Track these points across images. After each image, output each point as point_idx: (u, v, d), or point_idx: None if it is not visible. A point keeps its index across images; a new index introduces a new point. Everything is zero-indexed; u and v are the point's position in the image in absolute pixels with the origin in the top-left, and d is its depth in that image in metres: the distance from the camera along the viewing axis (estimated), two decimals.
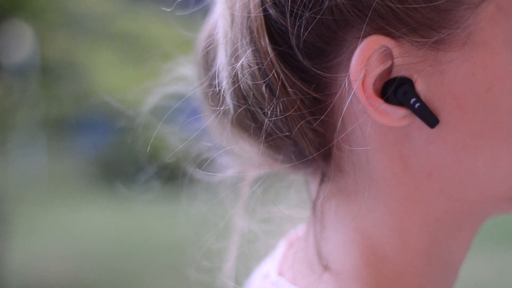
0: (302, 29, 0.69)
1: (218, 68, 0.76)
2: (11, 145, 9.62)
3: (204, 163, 0.85)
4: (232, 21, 0.73)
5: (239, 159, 0.85)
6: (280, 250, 0.87)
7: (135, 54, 6.14)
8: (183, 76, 0.90)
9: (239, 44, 0.72)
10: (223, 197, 0.88)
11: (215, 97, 0.77)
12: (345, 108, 0.71)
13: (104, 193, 9.72)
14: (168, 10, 0.85)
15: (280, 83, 0.70)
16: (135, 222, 8.17)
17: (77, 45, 6.55)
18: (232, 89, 0.73)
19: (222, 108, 0.75)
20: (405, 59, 0.69)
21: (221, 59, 0.75)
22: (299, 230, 0.88)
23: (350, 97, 0.70)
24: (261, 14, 0.71)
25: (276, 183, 0.84)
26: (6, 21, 6.44)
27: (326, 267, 0.76)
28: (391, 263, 0.75)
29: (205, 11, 0.86)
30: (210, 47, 0.80)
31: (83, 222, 8.23)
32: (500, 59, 0.69)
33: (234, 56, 0.73)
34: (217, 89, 0.76)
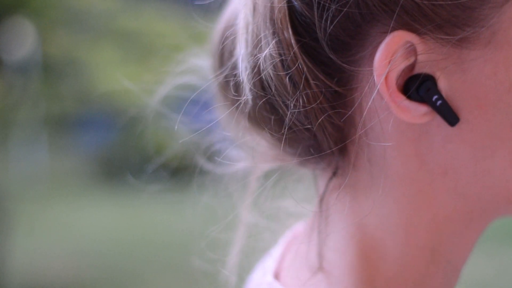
0: (328, 22, 0.69)
1: (237, 59, 0.75)
2: (13, 142, 9.62)
3: (213, 157, 0.85)
4: (255, 12, 0.73)
5: (251, 153, 0.84)
6: (280, 247, 0.87)
7: (137, 51, 6.14)
8: (195, 67, 0.90)
9: (262, 35, 0.72)
10: (231, 191, 0.88)
11: (233, 88, 0.77)
12: (369, 103, 0.71)
13: (105, 190, 9.73)
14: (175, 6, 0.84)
15: (303, 75, 0.70)
16: (137, 220, 8.19)
17: (79, 42, 6.55)
18: (253, 80, 0.73)
19: (241, 99, 0.75)
20: (429, 56, 0.69)
21: (242, 50, 0.74)
22: (300, 226, 0.87)
23: (375, 92, 0.70)
24: (285, 5, 0.71)
25: (285, 178, 0.84)
26: (7, 18, 6.44)
27: (321, 265, 0.76)
28: (391, 261, 0.75)
29: (207, 7, 0.85)
30: (228, 38, 0.79)
31: (85, 220, 8.24)
32: None
33: (257, 47, 0.72)
34: (236, 80, 0.75)
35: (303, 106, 0.71)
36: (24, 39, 7.81)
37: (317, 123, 0.72)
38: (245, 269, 0.89)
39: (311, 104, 0.71)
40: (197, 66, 0.90)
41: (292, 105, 0.71)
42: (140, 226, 7.96)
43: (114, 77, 5.98)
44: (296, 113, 0.72)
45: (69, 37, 6.54)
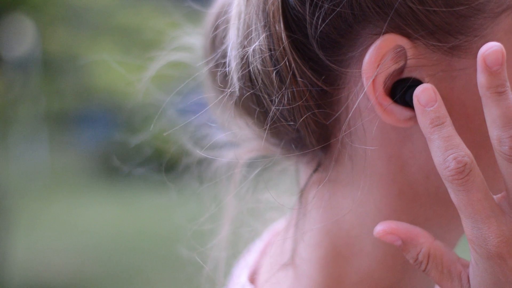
0: (320, 19, 0.69)
1: (228, 47, 0.75)
2: (13, 139, 9.61)
3: (202, 147, 0.85)
4: (248, 1, 0.72)
5: (237, 141, 0.84)
6: (261, 242, 0.87)
7: (137, 48, 6.13)
8: (188, 45, 0.89)
9: (253, 27, 0.71)
10: (219, 182, 0.87)
11: (221, 76, 0.76)
12: (355, 103, 0.71)
13: (105, 186, 9.71)
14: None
15: (291, 71, 0.70)
16: (137, 216, 8.17)
17: (79, 39, 6.54)
18: (240, 71, 0.73)
19: (228, 90, 0.74)
20: (419, 61, 0.69)
21: (232, 39, 0.73)
22: (282, 222, 0.88)
23: (362, 94, 0.70)
24: None
25: (268, 170, 0.83)
26: (7, 15, 6.43)
27: (293, 260, 0.77)
28: (366, 259, 0.75)
29: (205, 3, 0.85)
30: (221, 25, 0.78)
31: (85, 216, 8.23)
32: (511, 73, 0.68)
33: (247, 39, 0.71)
34: (225, 69, 0.74)
35: (287, 103, 0.70)
36: (24, 36, 7.80)
37: (301, 120, 0.71)
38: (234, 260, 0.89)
39: (296, 101, 0.70)
40: (190, 44, 0.89)
41: (276, 100, 0.71)
42: (140, 221, 7.95)
43: (114, 73, 5.98)
44: (280, 109, 0.71)
45: (68, 34, 6.53)
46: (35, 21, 7.00)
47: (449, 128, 0.65)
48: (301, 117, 0.71)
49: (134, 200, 8.67)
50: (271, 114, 0.72)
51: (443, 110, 0.66)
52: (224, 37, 0.77)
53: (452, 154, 0.64)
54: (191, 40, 0.89)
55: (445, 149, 0.64)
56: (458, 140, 0.65)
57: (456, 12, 0.68)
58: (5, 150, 8.49)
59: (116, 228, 7.71)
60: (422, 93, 0.66)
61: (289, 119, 0.72)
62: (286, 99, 0.70)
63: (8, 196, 6.21)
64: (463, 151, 0.64)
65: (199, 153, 0.83)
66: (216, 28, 0.79)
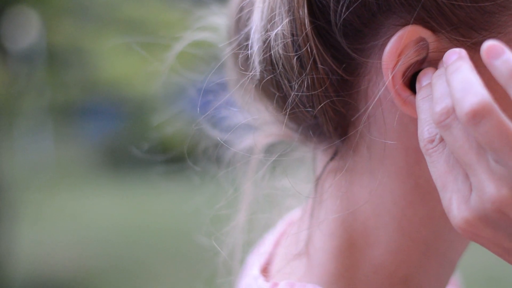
0: (344, 7, 0.68)
1: (251, 30, 0.74)
2: (17, 131, 9.63)
3: (220, 129, 0.85)
4: None
5: (256, 125, 0.84)
6: (276, 232, 0.87)
7: (142, 40, 6.12)
8: (213, 25, 0.89)
9: (277, 11, 0.71)
10: (236, 168, 0.87)
11: (243, 59, 0.76)
12: (374, 93, 0.71)
13: (110, 179, 9.74)
14: None
15: (312, 58, 0.70)
16: (141, 208, 8.20)
17: (84, 31, 6.54)
18: (262, 55, 0.72)
19: (250, 73, 0.74)
20: (441, 55, 0.68)
21: (256, 21, 0.73)
22: (296, 213, 0.87)
23: (382, 84, 0.69)
24: None
25: (286, 156, 0.83)
26: (12, 7, 6.43)
27: (307, 249, 0.76)
28: (380, 248, 0.75)
29: None
30: (246, 6, 0.78)
31: (89, 209, 8.25)
32: None
33: (270, 22, 0.71)
34: (247, 52, 0.74)
35: (307, 89, 0.70)
36: (29, 28, 7.81)
37: (319, 107, 0.71)
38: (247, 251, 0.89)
39: (315, 88, 0.70)
40: (216, 24, 0.89)
41: (296, 86, 0.71)
42: (145, 215, 7.98)
43: (119, 66, 5.98)
44: (299, 95, 0.71)
45: (73, 26, 6.53)
46: (40, 13, 7.01)
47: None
48: (320, 104, 0.71)
49: (138, 193, 8.69)
50: (290, 99, 0.72)
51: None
52: (248, 19, 0.77)
53: None
54: (216, 20, 0.88)
55: None
56: None
57: (482, 8, 0.67)
58: (9, 142, 8.50)
59: (120, 221, 7.73)
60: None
61: (307, 105, 0.72)
62: (305, 85, 0.70)
63: (12, 189, 6.22)
64: None
65: (217, 136, 0.83)
66: (241, 9, 0.79)
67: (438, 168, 0.64)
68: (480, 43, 0.67)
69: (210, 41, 0.89)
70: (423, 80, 0.68)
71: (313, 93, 0.70)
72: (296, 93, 0.71)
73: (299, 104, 0.72)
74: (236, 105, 0.85)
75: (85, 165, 10.99)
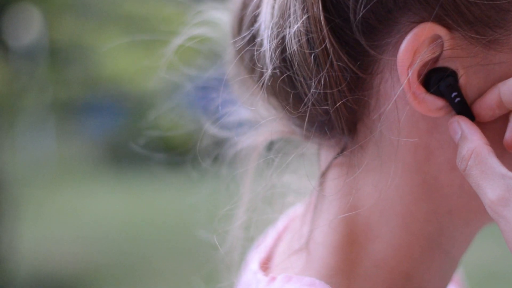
0: (362, 5, 0.68)
1: (260, 26, 0.73)
2: (19, 128, 9.64)
3: (221, 126, 0.84)
4: None
5: (259, 122, 0.83)
6: (278, 227, 0.87)
7: (143, 37, 6.12)
8: (214, 20, 0.88)
9: (291, 8, 0.70)
10: (237, 165, 0.86)
11: (249, 56, 0.75)
12: (387, 90, 0.70)
13: (112, 175, 9.74)
14: None
15: (329, 56, 0.69)
16: (143, 205, 8.20)
17: (85, 28, 6.54)
18: (275, 52, 0.71)
19: (261, 71, 0.73)
20: (455, 52, 0.68)
21: (267, 18, 0.72)
22: (298, 209, 0.87)
23: (397, 82, 0.69)
24: None
25: (288, 153, 0.82)
26: (14, 4, 6.43)
27: (307, 244, 0.76)
28: (382, 244, 0.74)
29: None
30: (252, 2, 0.77)
31: (91, 205, 8.26)
32: None
33: (284, 18, 0.71)
34: (255, 49, 0.73)
35: (324, 87, 0.70)
36: (31, 25, 7.81)
37: (334, 105, 0.71)
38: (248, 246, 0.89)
39: (331, 86, 0.70)
40: (217, 19, 0.88)
41: (312, 84, 0.70)
42: (146, 210, 7.98)
43: (120, 62, 5.98)
44: (316, 93, 0.70)
45: (75, 23, 6.53)
46: (41, 10, 7.01)
47: None
48: (334, 102, 0.71)
49: (140, 189, 8.70)
50: (307, 98, 0.71)
51: None
52: (257, 16, 0.76)
53: None
54: (216, 15, 0.88)
55: None
56: None
57: (497, 6, 0.67)
58: (12, 139, 8.51)
59: (122, 217, 7.73)
60: None
61: (323, 104, 0.71)
62: (322, 83, 0.70)
63: (14, 185, 6.23)
64: None
65: (218, 132, 0.83)
66: (246, 6, 0.78)
67: None
68: (494, 41, 0.67)
69: (211, 36, 0.89)
70: None
71: (329, 91, 0.70)
72: (314, 91, 0.70)
73: (314, 103, 0.71)
74: (238, 102, 0.84)
75: (87, 161, 10.99)
